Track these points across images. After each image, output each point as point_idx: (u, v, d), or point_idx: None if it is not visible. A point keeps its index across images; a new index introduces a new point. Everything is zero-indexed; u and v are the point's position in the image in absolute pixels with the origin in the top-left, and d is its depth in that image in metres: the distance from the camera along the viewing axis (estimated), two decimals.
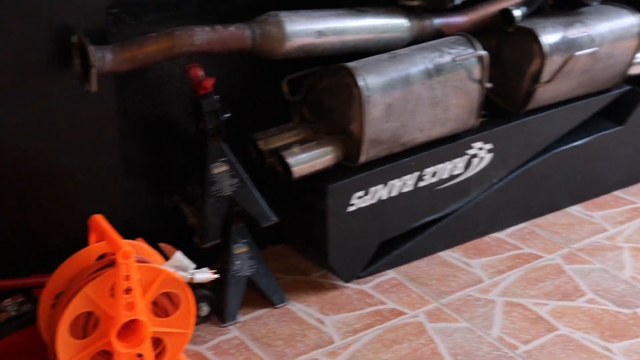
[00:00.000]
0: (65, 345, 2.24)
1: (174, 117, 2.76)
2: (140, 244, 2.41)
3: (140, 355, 2.31)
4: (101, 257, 2.36)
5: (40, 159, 2.55)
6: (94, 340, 2.27)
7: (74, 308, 2.22)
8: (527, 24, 2.99)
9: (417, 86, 2.74)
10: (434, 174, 2.91)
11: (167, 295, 2.34)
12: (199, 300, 2.55)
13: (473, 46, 2.84)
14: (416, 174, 2.87)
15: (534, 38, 2.97)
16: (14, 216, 2.57)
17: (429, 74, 2.76)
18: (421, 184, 2.89)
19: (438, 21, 2.89)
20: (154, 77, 2.69)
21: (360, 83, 2.63)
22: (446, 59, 2.80)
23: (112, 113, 2.62)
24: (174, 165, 2.82)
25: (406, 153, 2.84)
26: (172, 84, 2.72)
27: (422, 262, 3.03)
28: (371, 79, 2.66)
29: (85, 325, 2.28)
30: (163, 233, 2.62)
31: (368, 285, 2.91)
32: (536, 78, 3.01)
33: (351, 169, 2.77)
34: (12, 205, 2.56)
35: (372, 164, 2.78)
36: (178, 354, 2.42)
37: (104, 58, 2.37)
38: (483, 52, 2.84)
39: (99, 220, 2.36)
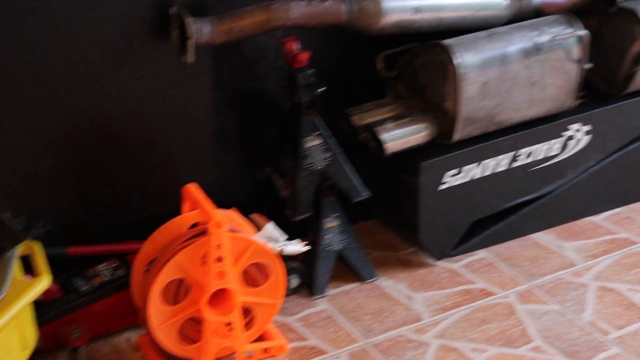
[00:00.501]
0: (156, 311, 2.28)
1: (268, 90, 2.76)
2: (233, 214, 2.43)
3: (229, 324, 2.34)
4: (194, 226, 2.39)
5: (138, 129, 2.59)
6: (184, 307, 2.30)
7: (166, 275, 2.26)
8: (629, 5, 2.91)
9: (515, 65, 2.70)
10: (529, 155, 2.87)
11: (258, 265, 2.36)
12: (289, 272, 2.56)
13: (573, 26, 2.78)
14: (511, 154, 2.83)
15: (636, 19, 2.90)
16: (111, 184, 2.61)
17: (527, 53, 2.71)
18: (515, 164, 2.85)
19: (537, 0, 2.84)
20: (249, 50, 2.70)
21: (457, 60, 2.60)
22: (545, 38, 2.74)
23: (208, 85, 2.64)
24: (267, 138, 2.82)
25: (501, 132, 2.80)
26: (267, 57, 2.73)
27: (513, 243, 2.99)
28: (468, 56, 2.63)
29: (177, 293, 2.32)
30: (255, 204, 2.63)
31: (458, 264, 2.89)
32: (637, 60, 2.94)
33: (445, 146, 2.74)
34: (109, 173, 2.60)
35: (466, 143, 2.75)
36: (266, 325, 2.44)
37: (201, 30, 2.39)
38: (583, 32, 2.78)
39: (193, 189, 2.39)
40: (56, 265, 2.25)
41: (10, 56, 2.32)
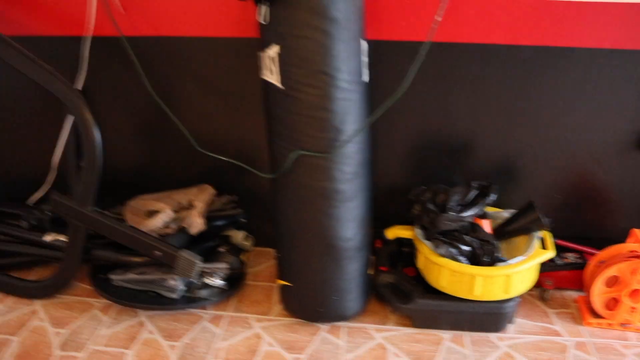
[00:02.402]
0: (598, 287, 3.65)
1: None
2: None
3: (634, 307, 3.69)
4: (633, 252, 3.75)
5: None
6: (613, 291, 3.62)
7: (610, 271, 3.57)
8: None
9: None
10: None
11: None
12: None
13: None
14: None
15: None
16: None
17: None
18: None
19: None
20: None
21: None
22: None
23: None
24: None
25: None
26: None
27: None
28: None
29: (610, 282, 3.61)
30: None
31: None
32: None
33: None
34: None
35: None
36: None
37: None
38: None
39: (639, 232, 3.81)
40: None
41: None
